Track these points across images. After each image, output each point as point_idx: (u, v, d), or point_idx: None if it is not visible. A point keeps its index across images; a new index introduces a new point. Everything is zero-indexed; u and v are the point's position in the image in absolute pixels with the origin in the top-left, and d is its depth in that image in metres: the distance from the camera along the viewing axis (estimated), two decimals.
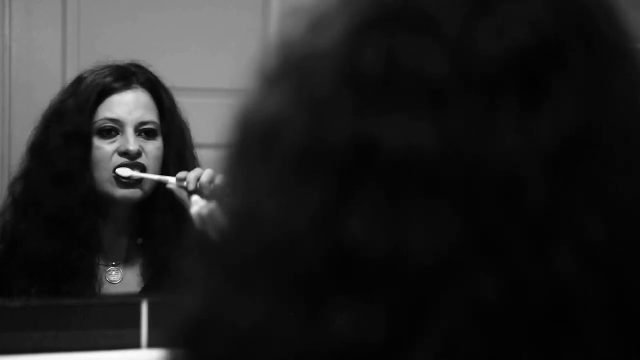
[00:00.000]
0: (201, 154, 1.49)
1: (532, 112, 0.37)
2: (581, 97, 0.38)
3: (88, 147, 1.40)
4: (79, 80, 1.44)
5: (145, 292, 1.44)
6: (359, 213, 0.37)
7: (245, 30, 1.80)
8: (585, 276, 0.37)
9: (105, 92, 1.42)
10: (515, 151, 0.37)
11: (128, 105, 1.42)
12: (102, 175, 1.40)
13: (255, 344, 0.38)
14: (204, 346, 0.39)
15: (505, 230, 0.36)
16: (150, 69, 1.47)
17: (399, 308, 0.36)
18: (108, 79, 1.42)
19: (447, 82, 0.37)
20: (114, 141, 1.41)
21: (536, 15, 0.39)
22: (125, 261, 1.47)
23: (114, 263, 1.46)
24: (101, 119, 1.41)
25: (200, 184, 1.33)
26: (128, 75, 1.44)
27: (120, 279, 1.46)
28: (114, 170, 1.40)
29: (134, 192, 1.41)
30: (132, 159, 1.40)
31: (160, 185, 1.42)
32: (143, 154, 1.41)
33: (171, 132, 1.46)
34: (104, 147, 1.40)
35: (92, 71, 1.44)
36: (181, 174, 1.37)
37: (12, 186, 1.43)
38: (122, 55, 1.47)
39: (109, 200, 1.41)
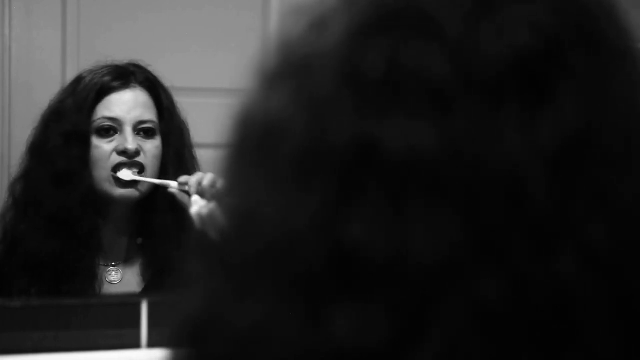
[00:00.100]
0: (200, 154, 1.49)
1: (532, 112, 0.37)
2: (582, 97, 0.38)
3: (87, 146, 1.40)
4: (78, 80, 1.44)
5: (145, 292, 1.44)
6: (359, 214, 0.37)
7: (245, 30, 1.80)
8: (586, 276, 0.37)
9: (103, 92, 1.42)
10: (516, 151, 0.37)
11: (127, 105, 1.42)
12: (101, 175, 1.40)
13: (255, 344, 0.38)
14: (204, 346, 0.39)
15: (506, 231, 0.36)
16: (150, 68, 1.47)
17: (400, 309, 0.36)
18: (107, 78, 1.42)
19: (448, 83, 0.37)
20: (112, 140, 1.41)
21: (537, 15, 0.39)
22: (125, 261, 1.47)
23: (114, 263, 1.46)
24: (100, 118, 1.41)
25: (202, 188, 1.33)
26: (127, 74, 1.44)
27: (120, 279, 1.46)
28: (114, 171, 1.40)
29: (133, 192, 1.41)
30: (130, 158, 1.40)
31: (160, 185, 1.42)
32: (142, 153, 1.41)
33: (170, 131, 1.46)
34: (103, 147, 1.40)
35: (91, 71, 1.44)
36: (183, 178, 1.36)
37: (12, 186, 1.43)
38: (122, 55, 1.47)
39: (108, 200, 1.41)
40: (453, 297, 0.36)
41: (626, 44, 0.41)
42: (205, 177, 1.34)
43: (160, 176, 1.43)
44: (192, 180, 1.34)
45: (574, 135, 0.37)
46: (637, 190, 0.38)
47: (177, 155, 1.45)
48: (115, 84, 1.42)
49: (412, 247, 0.36)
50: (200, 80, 1.76)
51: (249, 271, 0.39)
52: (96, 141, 1.41)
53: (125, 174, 1.40)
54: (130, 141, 1.40)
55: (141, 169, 1.41)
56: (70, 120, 1.40)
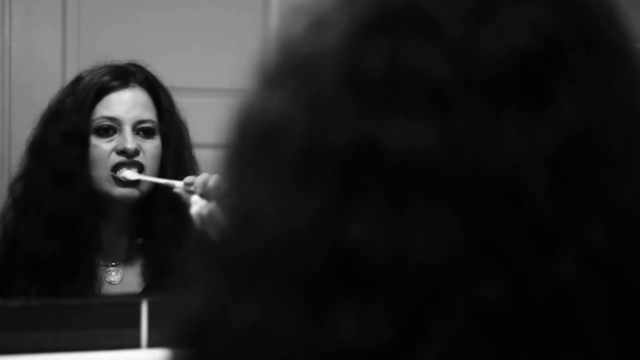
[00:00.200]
0: (200, 154, 1.49)
1: (533, 112, 0.37)
2: (582, 97, 0.38)
3: (86, 146, 1.40)
4: (78, 80, 1.44)
5: (145, 292, 1.44)
6: (359, 214, 0.37)
7: (245, 30, 1.80)
8: (586, 276, 0.37)
9: (103, 91, 1.42)
10: (516, 151, 0.37)
11: (126, 104, 1.42)
12: (100, 174, 1.40)
13: (255, 344, 0.38)
14: (204, 346, 0.39)
15: (506, 231, 0.36)
16: (150, 68, 1.47)
17: (400, 308, 0.36)
18: (106, 78, 1.42)
19: (448, 83, 0.37)
20: (111, 140, 1.41)
21: (537, 16, 0.39)
22: (125, 261, 1.47)
23: (114, 263, 1.46)
24: (99, 118, 1.41)
25: (207, 189, 1.33)
26: (126, 74, 1.44)
27: (120, 280, 1.46)
28: (113, 171, 1.40)
29: (132, 191, 1.41)
30: (130, 157, 1.40)
31: (160, 185, 1.42)
32: (141, 153, 1.41)
33: (169, 131, 1.46)
34: (102, 146, 1.41)
35: (90, 71, 1.44)
36: (188, 179, 1.36)
37: (12, 186, 1.43)
38: (122, 55, 1.47)
39: (108, 200, 1.41)
40: (453, 297, 0.36)
41: (626, 44, 0.41)
42: (211, 178, 1.33)
43: (159, 176, 1.43)
44: (198, 180, 1.34)
45: (574, 135, 0.37)
46: (637, 191, 0.38)
47: (177, 155, 1.45)
48: (114, 83, 1.43)
49: (413, 247, 0.36)
50: (199, 80, 1.76)
51: (249, 271, 0.39)
52: (95, 141, 1.41)
53: (130, 174, 1.40)
54: (130, 141, 1.40)
55: (140, 169, 1.41)
56: (70, 120, 1.40)
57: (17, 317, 1.31)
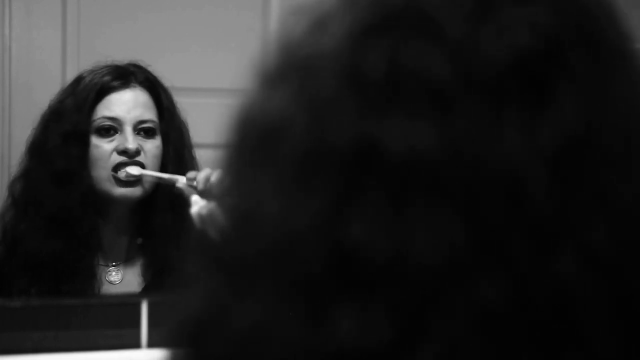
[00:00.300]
0: (200, 154, 1.49)
1: (533, 112, 0.37)
2: (582, 97, 0.38)
3: (87, 146, 1.40)
4: (78, 79, 1.44)
5: (145, 292, 1.44)
6: (359, 214, 0.37)
7: (245, 30, 1.80)
8: (586, 276, 0.37)
9: (103, 91, 1.42)
10: (516, 152, 0.37)
11: (127, 104, 1.42)
12: (101, 174, 1.40)
13: (255, 344, 0.38)
14: (204, 346, 0.39)
15: (506, 231, 0.36)
16: (150, 68, 1.47)
17: (400, 308, 0.36)
18: (106, 78, 1.42)
19: (448, 83, 0.37)
20: (112, 140, 1.41)
21: (537, 16, 0.39)
22: (125, 261, 1.47)
23: (114, 263, 1.46)
24: (100, 118, 1.41)
25: (210, 184, 1.33)
26: (127, 74, 1.44)
27: (120, 279, 1.46)
28: (114, 171, 1.40)
29: (133, 191, 1.41)
30: (131, 157, 1.40)
31: (160, 184, 1.42)
32: (142, 153, 1.41)
33: (170, 131, 1.46)
34: (103, 146, 1.41)
35: (91, 71, 1.44)
36: (191, 174, 1.36)
37: (11, 186, 1.43)
38: (122, 55, 1.47)
39: (108, 200, 1.42)
40: (453, 297, 0.36)
41: (626, 44, 0.41)
42: (213, 174, 1.34)
43: None
44: (200, 176, 1.35)
45: (574, 135, 0.37)
46: (637, 191, 0.38)
47: (177, 155, 1.46)
48: (115, 83, 1.43)
49: (413, 247, 0.36)
50: (200, 80, 1.76)
51: (249, 271, 0.39)
52: (96, 141, 1.41)
53: (133, 169, 1.40)
54: (131, 141, 1.40)
55: (141, 168, 1.41)
56: (70, 120, 1.40)
57: (17, 317, 1.31)
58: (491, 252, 0.36)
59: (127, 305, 1.34)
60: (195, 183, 1.35)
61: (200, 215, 1.11)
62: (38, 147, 1.42)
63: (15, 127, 1.65)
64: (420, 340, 0.36)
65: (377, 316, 0.36)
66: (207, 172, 1.35)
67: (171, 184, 1.39)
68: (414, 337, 0.36)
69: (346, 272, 0.37)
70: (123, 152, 1.40)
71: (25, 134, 1.45)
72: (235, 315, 0.38)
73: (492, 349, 0.36)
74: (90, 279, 1.42)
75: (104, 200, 1.42)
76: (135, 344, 1.31)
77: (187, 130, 1.49)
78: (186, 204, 1.33)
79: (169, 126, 1.46)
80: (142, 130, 1.43)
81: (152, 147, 1.43)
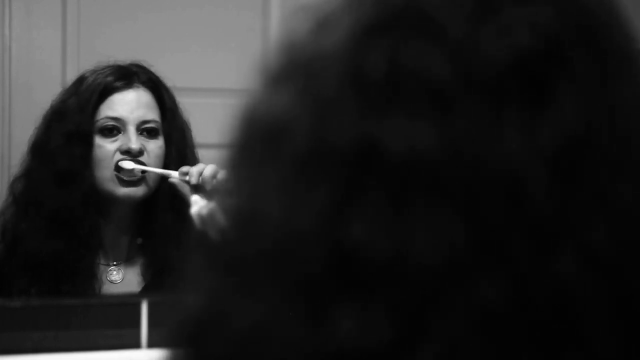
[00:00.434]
0: (202, 153, 1.49)
1: (533, 112, 0.37)
2: (582, 97, 0.38)
3: (90, 146, 1.41)
4: (81, 80, 1.44)
5: (146, 291, 1.44)
6: (360, 214, 0.37)
7: (245, 30, 1.80)
8: (586, 276, 0.37)
9: (107, 91, 1.42)
10: (516, 152, 0.37)
11: (130, 104, 1.42)
12: (104, 174, 1.41)
13: (255, 344, 0.38)
14: (204, 346, 0.39)
15: (506, 231, 0.36)
16: (151, 69, 1.47)
17: (400, 308, 0.36)
18: (110, 78, 1.43)
19: (448, 83, 0.37)
20: (115, 140, 1.41)
21: (537, 16, 0.39)
22: (126, 261, 1.47)
23: (115, 263, 1.46)
24: (103, 118, 1.41)
25: (202, 179, 1.34)
26: (130, 74, 1.44)
27: (121, 279, 1.46)
28: (117, 171, 1.40)
29: (136, 190, 1.41)
30: (134, 157, 1.41)
31: (162, 184, 1.42)
32: (145, 153, 1.42)
33: (172, 131, 1.46)
34: (106, 146, 1.41)
35: (93, 71, 1.44)
36: (184, 168, 1.37)
37: (12, 185, 1.43)
38: (122, 55, 1.47)
39: (111, 199, 1.42)
40: (453, 297, 0.36)
41: (627, 43, 0.41)
42: (206, 168, 1.35)
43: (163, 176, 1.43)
44: (194, 170, 1.35)
45: (574, 135, 0.37)
46: (637, 191, 0.38)
47: (180, 155, 1.46)
48: (118, 84, 1.43)
49: (413, 247, 0.36)
50: (200, 80, 1.76)
51: (250, 271, 0.39)
52: (99, 141, 1.41)
53: (127, 163, 1.40)
54: (134, 141, 1.40)
55: (135, 164, 1.42)
56: (73, 120, 1.41)
57: (17, 317, 1.31)
58: (491, 252, 0.36)
59: (127, 305, 1.34)
60: (188, 177, 1.35)
61: (200, 215, 1.11)
62: (40, 147, 1.42)
63: (15, 127, 1.65)
64: (420, 340, 0.36)
65: (377, 316, 0.36)
66: (200, 166, 1.36)
67: (165, 178, 1.39)
68: (414, 337, 0.36)
69: (346, 272, 0.37)
70: (126, 152, 1.40)
71: (25, 134, 1.45)
72: (235, 315, 0.38)
73: (492, 349, 0.36)
74: (90, 278, 1.42)
75: (107, 200, 1.42)
76: (135, 344, 1.31)
77: (189, 130, 1.49)
78: (187, 203, 1.33)
79: (171, 126, 1.46)
80: (145, 130, 1.43)
81: (154, 147, 1.43)
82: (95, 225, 1.42)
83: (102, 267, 1.45)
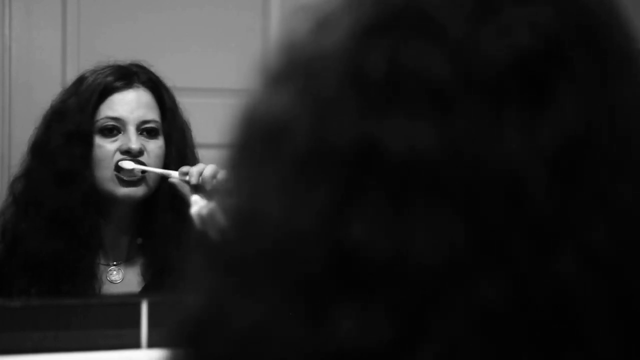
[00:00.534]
0: (202, 153, 1.49)
1: (533, 112, 0.37)
2: (582, 97, 0.38)
3: (90, 146, 1.41)
4: (81, 80, 1.44)
5: (146, 291, 1.44)
6: (360, 214, 0.37)
7: (245, 30, 1.80)
8: (586, 276, 0.37)
9: (107, 91, 1.42)
10: (516, 151, 0.37)
11: (130, 104, 1.42)
12: (104, 174, 1.41)
13: (255, 344, 0.38)
14: (204, 346, 0.39)
15: (506, 231, 0.36)
16: (151, 69, 1.47)
17: (400, 308, 0.36)
18: (110, 78, 1.43)
19: (448, 83, 0.37)
20: (115, 140, 1.41)
21: (537, 16, 0.39)
22: (126, 261, 1.47)
23: (115, 263, 1.46)
24: (103, 118, 1.41)
25: (202, 179, 1.34)
26: (130, 74, 1.44)
27: (121, 279, 1.46)
28: (117, 171, 1.40)
29: (136, 190, 1.41)
30: (134, 157, 1.41)
31: (162, 184, 1.42)
32: (145, 153, 1.42)
33: (172, 131, 1.46)
34: (106, 146, 1.41)
35: (93, 71, 1.44)
36: (184, 168, 1.38)
37: (12, 185, 1.43)
38: (122, 55, 1.47)
39: (111, 199, 1.42)
40: (453, 297, 0.36)
41: (627, 43, 0.41)
42: (206, 168, 1.35)
43: (162, 176, 1.43)
44: (194, 170, 1.35)
45: (574, 135, 0.37)
46: (637, 191, 0.38)
47: (180, 155, 1.46)
48: (118, 84, 1.43)
49: (413, 247, 0.36)
50: (200, 80, 1.76)
51: (250, 271, 0.39)
52: (99, 141, 1.41)
53: (127, 163, 1.40)
54: (134, 141, 1.41)
55: (135, 164, 1.42)
56: (73, 119, 1.41)
57: (17, 317, 1.31)
58: (491, 252, 0.36)
59: (127, 305, 1.34)
60: (188, 177, 1.36)
61: (200, 215, 1.11)
62: (40, 147, 1.42)
63: (15, 127, 1.65)
64: (420, 340, 0.36)
65: (377, 316, 0.36)
66: (200, 166, 1.36)
67: (165, 178, 1.40)
68: (414, 337, 0.36)
69: (346, 272, 0.37)
70: (126, 151, 1.40)
71: (25, 134, 1.45)
72: (235, 315, 0.38)
73: (492, 349, 0.36)
74: (90, 278, 1.42)
75: (107, 200, 1.42)
76: (135, 344, 1.31)
77: (189, 130, 1.49)
78: (187, 203, 1.33)
79: (171, 126, 1.46)
80: (145, 130, 1.43)
81: (155, 147, 1.43)
82: (95, 225, 1.42)
83: (102, 267, 1.45)
